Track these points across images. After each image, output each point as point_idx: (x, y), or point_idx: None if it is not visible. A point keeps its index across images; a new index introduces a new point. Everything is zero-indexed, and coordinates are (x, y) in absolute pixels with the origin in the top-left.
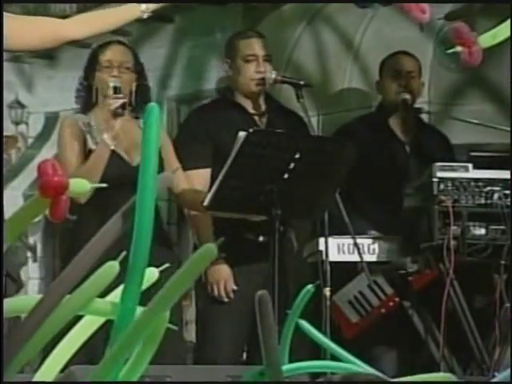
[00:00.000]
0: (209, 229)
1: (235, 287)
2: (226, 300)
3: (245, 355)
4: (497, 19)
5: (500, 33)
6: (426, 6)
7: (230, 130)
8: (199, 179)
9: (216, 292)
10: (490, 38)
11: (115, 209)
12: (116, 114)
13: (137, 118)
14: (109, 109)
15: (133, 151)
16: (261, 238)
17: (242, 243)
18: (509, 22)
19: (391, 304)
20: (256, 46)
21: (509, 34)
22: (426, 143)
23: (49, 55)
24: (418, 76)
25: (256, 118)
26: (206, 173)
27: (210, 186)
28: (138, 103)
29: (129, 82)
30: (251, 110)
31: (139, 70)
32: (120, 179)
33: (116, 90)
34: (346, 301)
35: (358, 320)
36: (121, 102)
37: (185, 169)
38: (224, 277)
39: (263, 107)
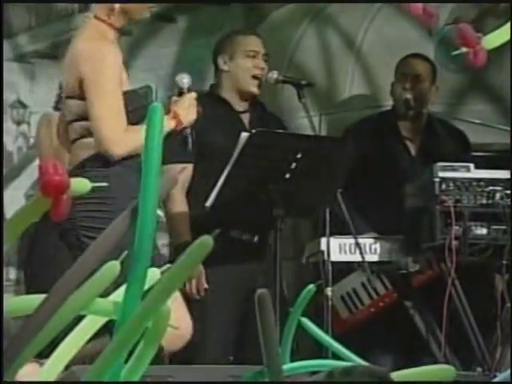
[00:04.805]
0: (187, 228)
1: (207, 286)
2: (196, 297)
3: (231, 358)
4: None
5: (505, 34)
6: (433, 9)
7: (214, 126)
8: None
9: (188, 288)
10: (495, 39)
11: None
12: None
13: None
14: None
15: None
16: (245, 237)
17: (223, 242)
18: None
19: (381, 304)
20: (257, 44)
21: None
22: (436, 145)
23: (51, 55)
24: (429, 79)
25: (241, 115)
26: (187, 168)
27: (191, 182)
28: None
29: None
30: (237, 107)
31: None
32: None
33: None
34: (338, 296)
35: (347, 316)
36: None
37: (167, 163)
38: (196, 275)
39: (248, 104)
